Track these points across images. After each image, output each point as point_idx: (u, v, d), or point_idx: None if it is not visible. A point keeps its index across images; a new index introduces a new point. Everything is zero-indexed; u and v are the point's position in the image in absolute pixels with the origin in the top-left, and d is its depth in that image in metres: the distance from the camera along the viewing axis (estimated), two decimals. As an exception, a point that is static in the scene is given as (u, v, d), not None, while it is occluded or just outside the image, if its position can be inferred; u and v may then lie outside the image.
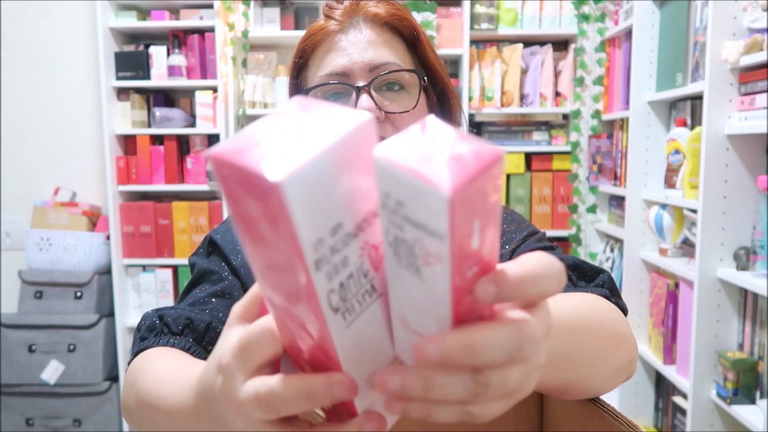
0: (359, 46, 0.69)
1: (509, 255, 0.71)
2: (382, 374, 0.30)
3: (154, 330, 0.64)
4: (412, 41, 0.73)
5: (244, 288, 0.70)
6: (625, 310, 0.62)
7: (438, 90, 0.77)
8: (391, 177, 0.27)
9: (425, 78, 0.72)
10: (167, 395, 0.48)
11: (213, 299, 0.69)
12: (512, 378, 0.30)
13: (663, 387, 2.19)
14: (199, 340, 0.64)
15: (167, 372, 0.52)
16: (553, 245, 0.73)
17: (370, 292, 0.32)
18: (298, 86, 0.75)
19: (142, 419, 0.53)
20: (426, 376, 0.29)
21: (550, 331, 0.32)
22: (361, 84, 0.68)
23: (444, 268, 0.28)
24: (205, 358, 0.62)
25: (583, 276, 0.65)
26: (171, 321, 0.64)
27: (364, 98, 0.67)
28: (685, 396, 1.86)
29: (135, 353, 0.63)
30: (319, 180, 0.27)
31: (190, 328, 0.64)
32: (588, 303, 0.52)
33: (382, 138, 0.67)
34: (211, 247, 0.74)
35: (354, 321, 0.32)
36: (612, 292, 0.64)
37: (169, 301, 2.68)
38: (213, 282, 0.71)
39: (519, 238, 0.73)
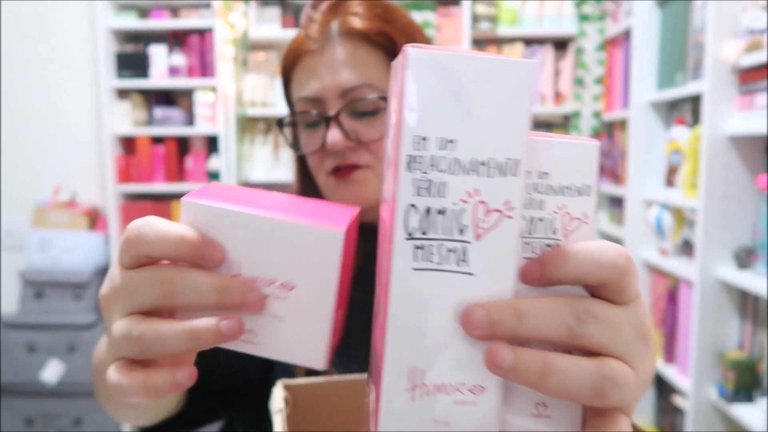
0: (331, 69, 0.66)
1: None
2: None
3: None
4: (393, 55, 0.69)
5: None
6: None
7: None
8: (538, 150, 0.28)
9: None
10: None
11: None
12: (632, 381, 0.29)
13: (663, 387, 2.19)
14: None
15: None
16: None
17: (459, 258, 0.28)
18: (287, 96, 0.74)
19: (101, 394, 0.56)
20: (542, 355, 0.28)
21: (647, 339, 0.31)
22: (331, 113, 0.67)
23: (589, 228, 0.30)
24: None
25: None
26: None
27: (332, 132, 0.66)
28: (685, 396, 1.86)
29: None
30: (445, 77, 0.27)
31: None
32: None
33: (354, 165, 0.67)
34: None
35: (425, 271, 0.28)
36: None
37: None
38: None
39: None
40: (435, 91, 0.27)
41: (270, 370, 0.72)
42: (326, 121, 0.67)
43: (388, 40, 0.67)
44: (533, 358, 0.27)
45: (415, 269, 0.28)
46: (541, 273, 0.29)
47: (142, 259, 0.31)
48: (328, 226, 0.31)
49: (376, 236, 0.74)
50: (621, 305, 0.30)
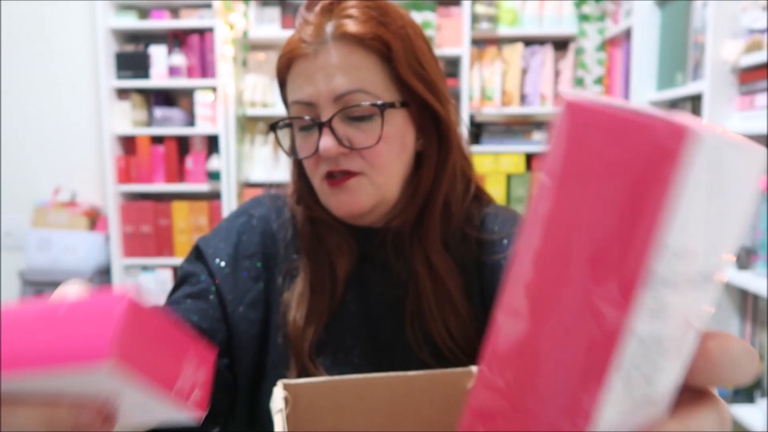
0: (326, 72, 0.65)
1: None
2: None
3: None
4: (388, 59, 0.67)
5: (218, 291, 0.71)
6: None
7: (418, 104, 0.70)
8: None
9: (395, 104, 0.67)
10: None
11: (188, 300, 0.70)
12: None
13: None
14: None
15: None
16: None
17: (650, 381, 0.22)
18: (283, 96, 0.74)
19: None
20: None
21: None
22: (324, 118, 0.66)
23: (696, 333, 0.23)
24: None
25: None
26: None
27: (324, 138, 0.66)
28: (685, 396, 1.86)
29: None
30: (726, 170, 0.20)
31: None
32: None
33: (346, 172, 0.66)
34: (196, 252, 0.75)
35: (630, 400, 0.22)
36: None
37: (169, 301, 2.68)
38: (192, 284, 0.72)
39: None
40: (713, 189, 0.20)
41: (262, 373, 0.71)
42: (319, 126, 0.66)
43: (382, 44, 0.66)
44: None
45: (624, 403, 0.22)
46: (707, 378, 0.25)
47: None
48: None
49: (370, 239, 0.74)
50: (711, 401, 0.28)
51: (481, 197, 0.78)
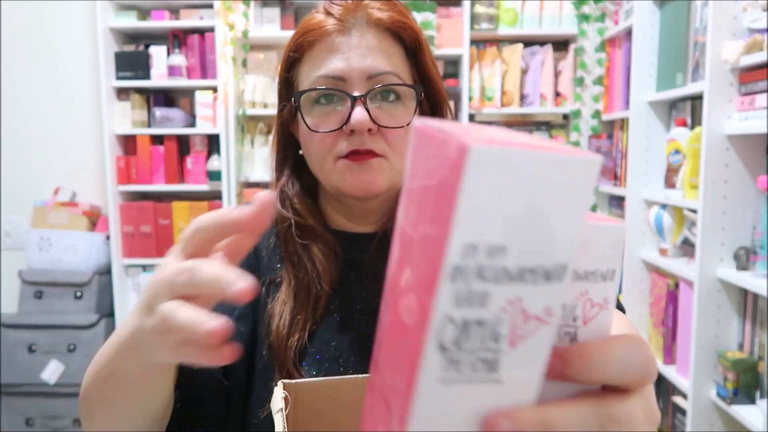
0: (358, 51, 0.66)
1: None
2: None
3: None
4: (413, 50, 0.70)
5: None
6: (623, 312, 0.62)
7: (432, 101, 0.74)
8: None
9: (421, 93, 0.70)
10: (104, 348, 0.51)
11: None
12: None
13: (663, 387, 2.19)
14: None
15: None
16: None
17: (490, 367, 0.25)
18: (288, 80, 0.72)
19: (86, 397, 0.54)
20: None
21: (655, 422, 0.31)
22: (356, 93, 0.66)
23: (608, 313, 0.28)
24: None
25: None
26: None
27: (359, 110, 0.65)
28: (685, 396, 1.86)
29: None
30: (507, 176, 0.23)
31: None
32: (622, 328, 0.50)
33: (370, 152, 0.66)
34: None
35: (452, 383, 0.25)
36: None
37: (169, 301, 2.68)
38: None
39: None
40: (494, 193, 0.23)
41: (250, 384, 0.71)
42: (353, 100, 0.66)
43: (414, 34, 0.69)
44: None
45: (443, 381, 0.25)
46: (563, 372, 0.28)
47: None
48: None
49: (360, 245, 0.73)
50: (634, 394, 0.30)
51: None
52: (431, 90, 0.72)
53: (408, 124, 0.68)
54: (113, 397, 0.52)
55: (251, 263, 0.74)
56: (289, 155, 0.76)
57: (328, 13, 0.68)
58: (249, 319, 0.71)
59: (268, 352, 0.70)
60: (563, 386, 0.29)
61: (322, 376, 0.68)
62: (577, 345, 0.28)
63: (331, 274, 0.71)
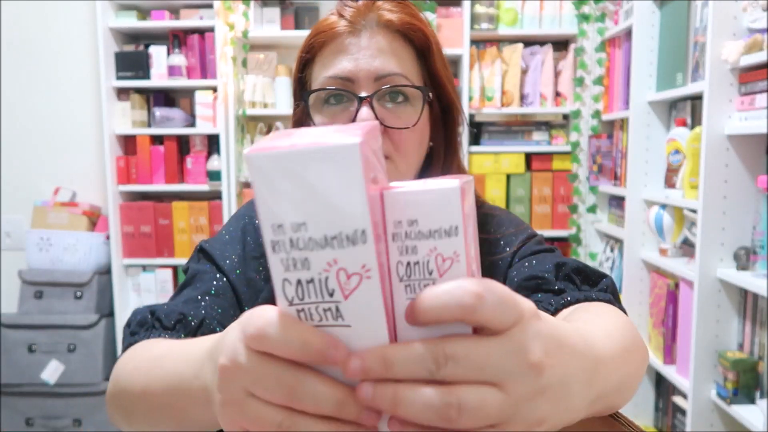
0: (367, 53, 0.67)
1: (510, 258, 0.71)
2: (359, 386, 0.32)
3: (145, 324, 0.63)
4: (423, 52, 0.71)
5: (235, 291, 0.70)
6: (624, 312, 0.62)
7: (443, 104, 0.75)
8: (404, 202, 0.32)
9: (430, 94, 0.71)
10: (167, 357, 0.48)
11: (207, 297, 0.69)
12: (490, 404, 0.30)
13: (663, 387, 2.19)
14: (192, 335, 0.63)
15: (165, 347, 0.52)
16: (552, 247, 0.72)
17: (335, 315, 0.32)
18: (302, 80, 0.74)
19: (129, 397, 0.52)
20: (392, 388, 0.31)
21: (532, 356, 0.32)
22: (364, 94, 0.67)
23: (461, 265, 0.32)
24: None
25: (587, 280, 0.65)
26: (163, 316, 0.63)
27: (364, 110, 0.66)
28: (685, 396, 1.86)
29: (125, 347, 0.61)
30: (283, 172, 0.31)
31: (182, 323, 0.64)
32: (619, 324, 0.50)
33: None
34: (201, 253, 0.74)
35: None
36: (614, 297, 0.63)
37: (169, 301, 2.68)
38: (206, 281, 0.70)
39: (519, 240, 0.73)
40: (279, 185, 0.30)
41: None
42: (359, 100, 0.67)
43: (424, 37, 0.70)
44: (385, 392, 0.31)
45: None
46: (413, 318, 0.32)
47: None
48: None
49: None
50: (496, 336, 0.31)
51: (476, 198, 0.79)
52: (441, 92, 0.73)
53: (414, 125, 0.68)
54: (162, 422, 0.50)
55: (261, 252, 0.74)
56: None
57: (340, 15, 0.69)
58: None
59: None
60: (435, 332, 0.33)
61: None
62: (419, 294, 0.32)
63: None
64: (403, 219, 0.32)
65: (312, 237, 0.31)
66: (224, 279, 0.70)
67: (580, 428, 0.53)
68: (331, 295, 0.32)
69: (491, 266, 0.72)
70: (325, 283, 0.32)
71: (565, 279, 0.64)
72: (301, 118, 0.75)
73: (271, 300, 0.69)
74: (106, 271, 2.64)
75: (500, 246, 0.73)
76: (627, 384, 0.45)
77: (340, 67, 0.68)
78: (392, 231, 0.33)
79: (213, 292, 0.69)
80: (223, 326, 0.67)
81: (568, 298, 0.60)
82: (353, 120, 0.67)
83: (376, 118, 0.66)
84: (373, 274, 0.31)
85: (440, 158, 0.74)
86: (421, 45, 0.70)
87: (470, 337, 0.32)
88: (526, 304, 0.33)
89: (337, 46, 0.68)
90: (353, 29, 0.68)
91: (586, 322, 0.49)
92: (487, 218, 0.76)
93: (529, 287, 0.65)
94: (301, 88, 0.74)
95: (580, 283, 0.64)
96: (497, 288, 0.31)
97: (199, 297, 0.69)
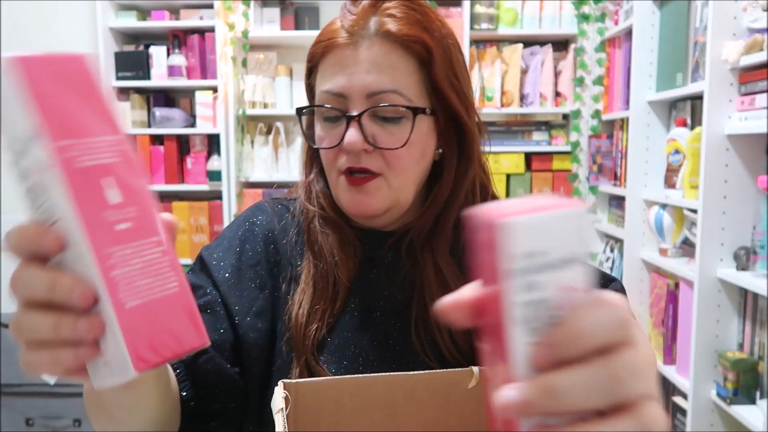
0: (362, 67, 0.65)
1: None
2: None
3: None
4: (426, 64, 0.67)
5: (224, 302, 0.70)
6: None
7: (449, 114, 0.71)
8: (533, 231, 0.29)
9: (427, 109, 0.68)
10: None
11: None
12: (658, 412, 0.30)
13: (663, 387, 2.19)
14: None
15: None
16: None
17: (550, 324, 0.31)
18: (310, 86, 0.73)
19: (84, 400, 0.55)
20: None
21: (653, 364, 0.32)
22: (354, 112, 0.66)
23: (586, 293, 0.30)
24: (176, 369, 0.64)
25: (596, 282, 0.64)
26: None
27: (351, 131, 0.66)
28: (685, 396, 1.86)
29: None
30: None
31: None
32: None
33: (366, 170, 0.66)
34: (200, 262, 0.74)
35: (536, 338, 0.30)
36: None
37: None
38: (198, 296, 0.71)
39: None
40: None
41: (269, 381, 0.71)
42: (348, 119, 0.66)
43: (424, 48, 0.66)
44: (536, 387, 0.29)
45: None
46: (551, 355, 0.29)
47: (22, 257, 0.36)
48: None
49: (379, 241, 0.74)
50: (624, 346, 0.31)
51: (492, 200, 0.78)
52: (444, 104, 0.69)
53: (405, 144, 0.66)
54: (98, 416, 0.54)
55: (271, 254, 0.74)
56: (317, 154, 0.76)
57: (342, 23, 0.68)
58: (267, 314, 0.71)
59: (286, 346, 0.70)
60: None
61: (341, 374, 0.67)
62: (557, 328, 0.29)
63: (349, 266, 0.71)
64: (529, 250, 0.29)
65: (545, 261, 0.30)
66: (215, 291, 0.71)
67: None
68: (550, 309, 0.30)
69: None
70: (547, 300, 0.30)
71: None
72: (313, 122, 0.75)
73: (265, 308, 0.71)
74: (106, 271, 2.63)
75: None
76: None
77: (334, 82, 0.67)
78: (516, 267, 0.28)
79: (201, 306, 0.69)
80: (212, 342, 0.67)
81: None
82: (343, 137, 0.66)
83: (364, 137, 0.66)
84: (582, 285, 0.30)
85: (452, 168, 0.72)
86: (421, 56, 0.67)
87: (638, 355, 0.30)
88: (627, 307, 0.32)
89: (334, 58, 0.67)
90: (351, 40, 0.66)
91: None
92: None
93: None
94: (310, 94, 0.74)
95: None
96: (619, 298, 0.31)
97: None
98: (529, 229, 0.28)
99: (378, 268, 0.74)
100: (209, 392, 0.65)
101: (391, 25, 0.66)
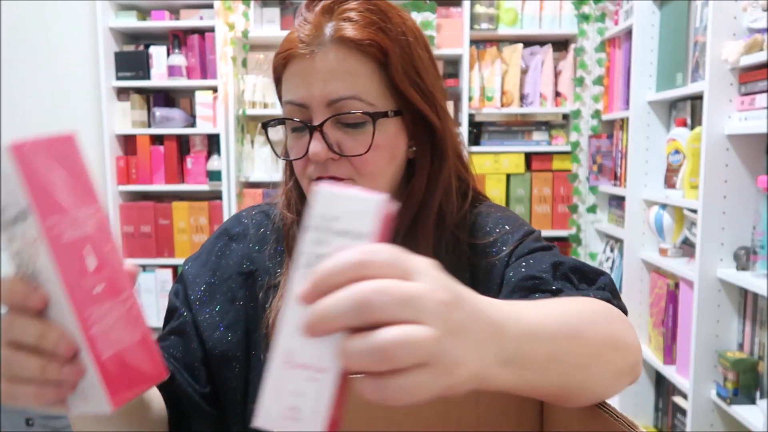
0: (320, 76, 0.65)
1: (507, 258, 0.70)
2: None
3: None
4: (384, 66, 0.66)
5: (195, 322, 0.72)
6: (625, 312, 0.62)
7: (414, 116, 0.70)
8: (333, 199, 0.35)
9: (388, 112, 0.67)
10: None
11: (171, 336, 0.73)
12: (423, 338, 0.32)
13: (663, 387, 2.19)
14: None
15: None
16: (551, 245, 0.71)
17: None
18: (280, 95, 0.75)
19: None
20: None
21: (450, 300, 0.34)
22: (315, 123, 0.66)
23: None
24: (162, 391, 0.67)
25: (584, 278, 0.64)
26: None
27: (314, 142, 0.66)
28: (685, 396, 1.86)
29: None
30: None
31: None
32: (582, 307, 0.51)
33: (334, 178, 0.67)
34: (181, 278, 0.77)
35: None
36: (613, 295, 0.63)
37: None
38: (175, 318, 0.74)
39: (516, 239, 0.71)
40: None
41: (247, 390, 0.72)
42: (310, 130, 0.66)
43: (380, 51, 0.66)
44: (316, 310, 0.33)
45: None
46: (310, 294, 0.34)
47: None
48: None
49: None
50: (404, 279, 0.34)
51: (475, 197, 0.78)
52: (408, 105, 0.69)
53: (369, 149, 0.66)
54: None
55: (246, 265, 0.76)
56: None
57: (299, 33, 0.68)
58: (240, 325, 0.73)
59: (265, 355, 0.70)
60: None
61: None
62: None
63: None
64: (326, 213, 0.35)
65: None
66: (188, 313, 0.73)
67: (579, 428, 0.53)
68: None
69: (487, 268, 0.71)
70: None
71: (562, 278, 0.64)
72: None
73: (236, 320, 0.72)
74: (106, 271, 2.64)
75: (497, 246, 0.71)
76: (578, 364, 0.46)
77: (296, 92, 0.67)
78: (314, 222, 0.35)
79: (175, 329, 0.73)
80: (183, 361, 0.70)
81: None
82: (308, 147, 0.66)
83: (329, 145, 0.66)
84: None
85: (425, 167, 0.71)
86: (378, 59, 0.66)
87: (385, 280, 0.33)
88: (420, 258, 0.35)
89: (294, 69, 0.68)
90: (307, 50, 0.66)
91: (537, 302, 0.50)
92: (482, 218, 0.75)
93: (526, 287, 0.64)
94: (280, 101, 0.75)
95: (578, 282, 0.64)
96: (387, 246, 0.34)
97: (165, 335, 0.74)
98: (329, 197, 0.35)
99: None
100: (185, 415, 0.69)
101: (346, 30, 0.65)
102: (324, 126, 0.66)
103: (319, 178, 0.68)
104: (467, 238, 0.73)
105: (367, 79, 0.66)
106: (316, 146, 0.66)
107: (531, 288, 0.64)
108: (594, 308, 0.52)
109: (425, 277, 0.34)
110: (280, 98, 0.74)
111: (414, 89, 0.68)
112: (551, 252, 0.69)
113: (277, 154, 0.75)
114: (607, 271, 2.51)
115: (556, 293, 0.62)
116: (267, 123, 0.72)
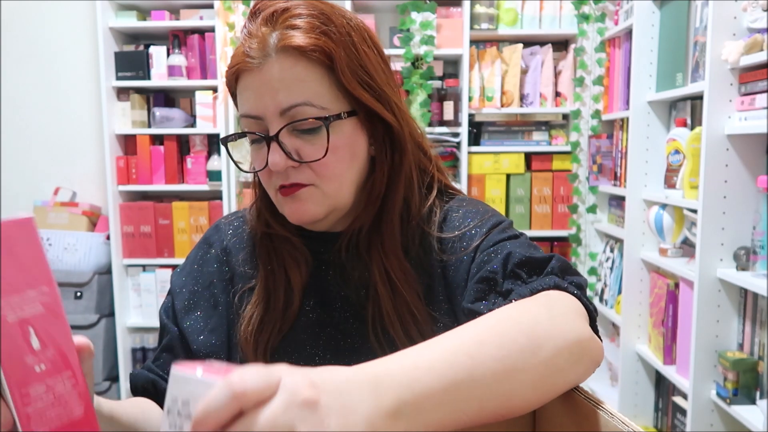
0: (270, 86, 0.66)
1: (473, 252, 0.69)
2: None
3: (132, 390, 0.78)
4: (332, 68, 0.67)
5: (181, 332, 0.75)
6: (580, 286, 0.62)
7: (369, 114, 0.70)
8: (181, 382, 0.37)
9: (341, 114, 0.67)
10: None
11: (163, 354, 0.77)
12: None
13: (663, 387, 2.19)
14: (151, 396, 0.76)
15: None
16: (515, 233, 0.70)
17: None
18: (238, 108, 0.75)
19: None
20: None
21: (310, 396, 0.37)
22: (272, 133, 0.67)
23: None
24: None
25: (533, 270, 0.63)
26: (139, 385, 0.77)
27: (272, 154, 0.67)
28: (685, 396, 1.86)
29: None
30: None
31: (149, 390, 0.76)
32: (495, 327, 0.50)
33: (297, 185, 0.68)
34: (170, 291, 0.80)
35: None
36: (564, 273, 0.62)
37: (169, 301, 2.68)
38: (165, 335, 0.78)
39: (481, 233, 0.70)
40: None
41: None
42: (267, 140, 0.67)
43: (324, 55, 0.66)
44: None
45: None
46: None
47: None
48: None
49: (330, 244, 0.74)
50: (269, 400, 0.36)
51: (444, 191, 0.78)
52: (360, 104, 0.69)
53: (326, 153, 0.67)
54: None
55: (224, 272, 0.78)
56: None
57: (244, 47, 0.67)
58: (222, 330, 0.75)
59: (242, 354, 0.73)
60: None
61: None
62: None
63: (302, 278, 0.74)
64: (182, 398, 0.36)
65: None
66: (175, 328, 0.76)
67: (573, 428, 0.53)
68: None
69: (455, 264, 0.70)
70: None
71: (511, 276, 0.63)
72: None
73: (219, 324, 0.75)
74: (106, 271, 2.64)
75: (465, 241, 0.71)
76: (480, 397, 0.46)
77: (248, 106, 0.68)
78: (169, 405, 0.37)
79: (166, 346, 0.77)
80: None
81: (515, 299, 0.59)
82: (267, 160, 0.67)
83: (287, 154, 0.66)
84: None
85: (385, 162, 0.72)
86: (324, 63, 0.66)
87: (249, 412, 0.35)
88: (280, 367, 0.37)
89: (245, 82, 0.68)
90: (255, 63, 0.66)
91: (440, 338, 0.49)
92: (452, 213, 0.74)
93: (480, 290, 0.64)
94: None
95: (526, 276, 0.63)
96: (246, 370, 0.36)
97: (158, 353, 0.77)
98: (176, 381, 0.37)
99: (333, 269, 0.75)
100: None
101: (290, 39, 0.65)
102: (280, 135, 0.66)
103: (282, 187, 0.69)
104: (437, 233, 0.73)
105: (317, 83, 0.66)
106: (275, 156, 0.66)
107: (485, 291, 0.64)
108: (511, 318, 0.52)
109: (287, 381, 0.36)
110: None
111: (363, 88, 0.68)
112: (514, 242, 0.68)
113: (241, 169, 0.77)
114: (607, 271, 2.51)
115: (505, 295, 0.62)
116: (226, 138, 0.73)
